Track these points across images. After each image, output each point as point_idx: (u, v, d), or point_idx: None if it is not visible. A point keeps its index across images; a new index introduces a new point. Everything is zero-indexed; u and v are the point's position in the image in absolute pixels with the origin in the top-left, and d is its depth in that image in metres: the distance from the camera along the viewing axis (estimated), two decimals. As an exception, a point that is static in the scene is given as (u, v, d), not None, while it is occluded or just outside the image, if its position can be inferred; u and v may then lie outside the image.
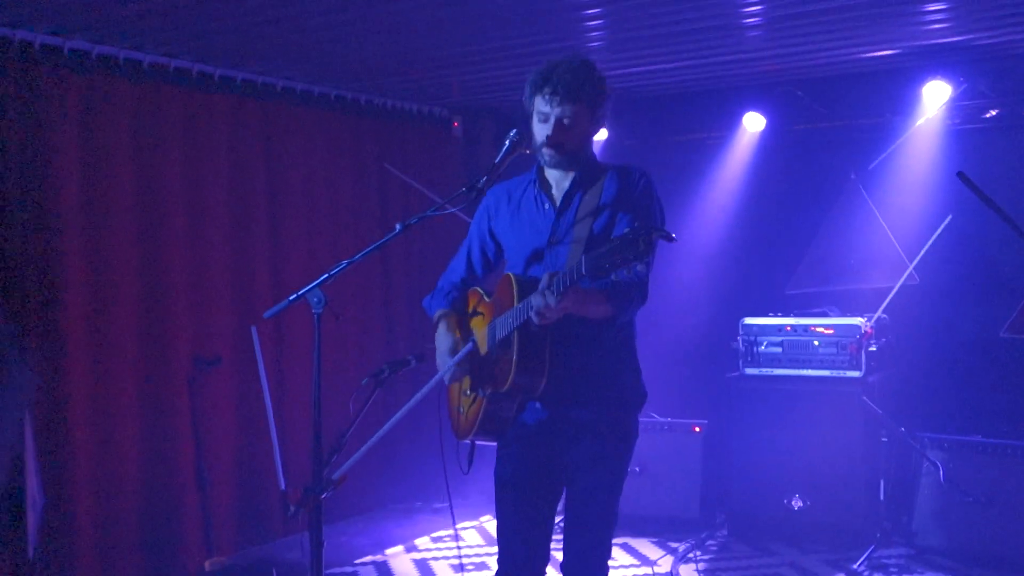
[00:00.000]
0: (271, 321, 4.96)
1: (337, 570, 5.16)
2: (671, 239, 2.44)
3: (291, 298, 2.86)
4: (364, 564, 5.29)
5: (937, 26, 4.76)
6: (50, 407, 4.56)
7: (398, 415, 2.75)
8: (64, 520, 4.59)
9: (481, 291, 3.11)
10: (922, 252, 5.34)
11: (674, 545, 5.35)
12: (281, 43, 4.90)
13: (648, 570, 5.02)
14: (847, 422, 5.15)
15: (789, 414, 5.30)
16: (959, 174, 3.29)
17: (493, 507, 3.03)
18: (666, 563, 5.09)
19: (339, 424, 3.02)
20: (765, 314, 5.54)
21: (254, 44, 4.90)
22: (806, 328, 5.38)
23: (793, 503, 5.25)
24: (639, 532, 5.51)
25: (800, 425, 5.26)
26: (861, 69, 5.63)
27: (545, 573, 3.00)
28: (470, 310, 3.14)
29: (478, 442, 3.04)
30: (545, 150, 2.89)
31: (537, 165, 3.01)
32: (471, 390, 2.99)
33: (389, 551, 5.51)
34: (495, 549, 3.03)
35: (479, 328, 3.04)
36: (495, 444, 3.05)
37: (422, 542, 5.68)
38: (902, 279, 5.38)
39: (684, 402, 5.86)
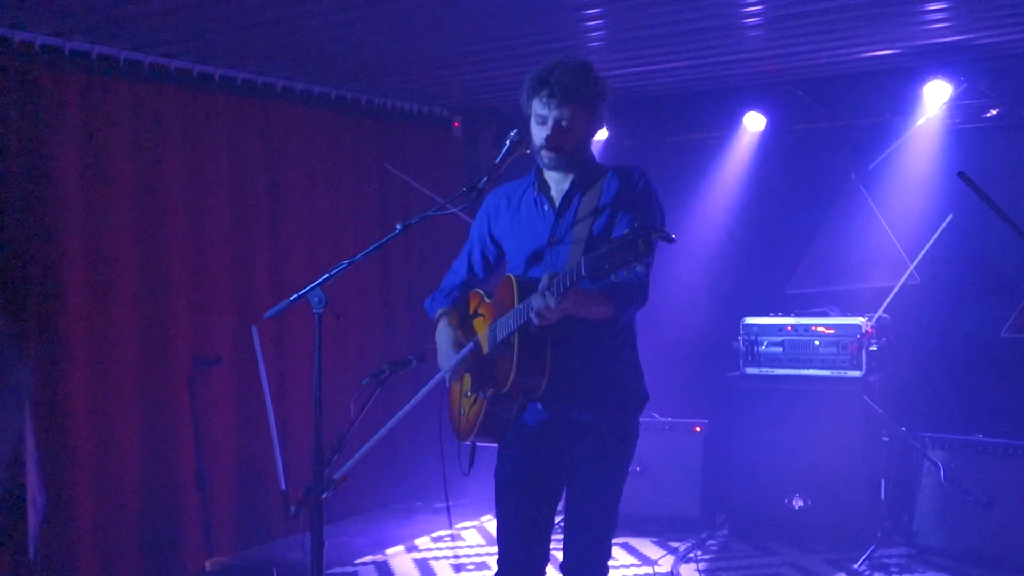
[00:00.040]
0: (271, 321, 4.95)
1: (337, 570, 5.16)
2: (671, 240, 2.43)
3: (292, 298, 2.86)
4: (364, 564, 5.30)
5: (937, 26, 4.75)
6: (50, 407, 4.56)
7: (399, 415, 2.75)
8: (64, 520, 4.59)
9: (482, 293, 3.10)
10: (923, 252, 5.34)
11: (675, 545, 5.35)
12: (281, 43, 4.90)
13: (649, 570, 5.02)
14: (848, 422, 5.15)
15: (790, 414, 5.30)
16: (960, 174, 3.29)
17: (493, 507, 3.03)
18: (667, 563, 5.09)
19: (340, 424, 3.02)
20: (766, 314, 5.54)
21: (254, 44, 4.91)
22: (807, 328, 5.37)
23: (794, 503, 5.25)
24: (640, 532, 5.51)
25: (801, 425, 5.25)
26: (861, 69, 5.63)
27: (545, 573, 2.99)
28: (471, 311, 3.14)
29: (479, 443, 3.04)
30: (544, 152, 2.88)
31: (536, 167, 3.00)
32: (472, 391, 2.99)
33: (389, 551, 5.51)
34: (495, 549, 3.03)
35: (480, 329, 3.04)
36: (496, 445, 3.04)
37: (422, 542, 5.68)
38: (903, 279, 5.38)
39: (685, 402, 5.86)
